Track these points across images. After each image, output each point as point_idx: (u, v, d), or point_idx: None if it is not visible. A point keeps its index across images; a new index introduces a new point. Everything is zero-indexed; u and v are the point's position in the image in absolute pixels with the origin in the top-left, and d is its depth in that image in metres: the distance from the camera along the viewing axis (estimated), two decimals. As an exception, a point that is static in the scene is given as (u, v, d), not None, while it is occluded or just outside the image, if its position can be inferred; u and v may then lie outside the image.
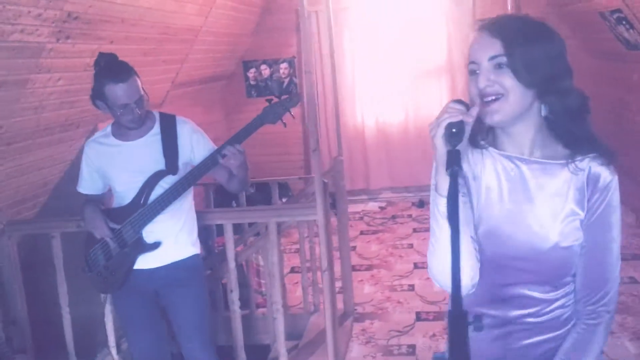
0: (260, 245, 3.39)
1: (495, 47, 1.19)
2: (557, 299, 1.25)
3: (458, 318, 0.91)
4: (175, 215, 2.47)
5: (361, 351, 3.59)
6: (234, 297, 3.05)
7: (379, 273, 4.82)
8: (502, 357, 1.30)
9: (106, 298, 2.73)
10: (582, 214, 1.23)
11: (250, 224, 3.94)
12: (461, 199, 1.16)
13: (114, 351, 3.12)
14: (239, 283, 4.23)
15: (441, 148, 1.13)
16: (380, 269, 4.90)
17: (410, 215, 6.29)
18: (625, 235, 4.86)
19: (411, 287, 4.47)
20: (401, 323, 3.90)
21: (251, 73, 6.78)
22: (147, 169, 2.40)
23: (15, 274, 3.12)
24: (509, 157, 1.25)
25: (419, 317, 3.97)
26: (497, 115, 1.19)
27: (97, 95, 2.33)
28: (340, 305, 4.02)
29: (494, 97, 1.19)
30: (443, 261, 1.14)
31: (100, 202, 2.57)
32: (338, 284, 4.17)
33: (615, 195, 1.23)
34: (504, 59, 1.18)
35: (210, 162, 2.35)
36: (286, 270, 4.89)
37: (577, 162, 1.23)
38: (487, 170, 1.27)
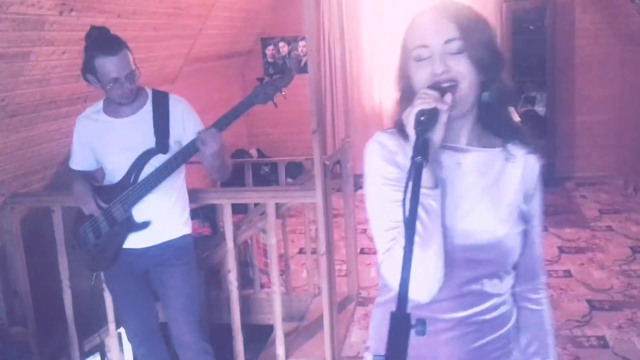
0: (260, 227, 3.35)
1: (450, 30, 1.14)
2: (503, 293, 1.26)
3: (399, 320, 0.86)
4: (166, 195, 2.44)
5: (361, 335, 3.54)
6: (232, 277, 3.02)
7: (387, 257, 4.75)
8: None
9: (96, 276, 2.72)
10: (521, 200, 1.25)
11: (256, 204, 3.91)
12: (434, 193, 1.12)
13: (112, 326, 3.14)
14: (245, 262, 4.22)
15: (414, 137, 1.07)
16: (389, 253, 4.82)
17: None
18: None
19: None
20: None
21: (269, 50, 6.67)
22: (137, 147, 2.37)
23: (17, 245, 3.14)
24: (453, 148, 1.22)
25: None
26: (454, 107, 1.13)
27: (88, 69, 2.30)
28: (344, 288, 3.99)
29: (447, 84, 1.13)
30: (418, 259, 1.08)
31: (94, 179, 2.54)
32: (344, 267, 4.14)
33: (540, 180, 1.28)
34: (460, 43, 1.13)
35: (194, 146, 2.29)
36: (295, 251, 4.87)
37: (510, 150, 1.24)
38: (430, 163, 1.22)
